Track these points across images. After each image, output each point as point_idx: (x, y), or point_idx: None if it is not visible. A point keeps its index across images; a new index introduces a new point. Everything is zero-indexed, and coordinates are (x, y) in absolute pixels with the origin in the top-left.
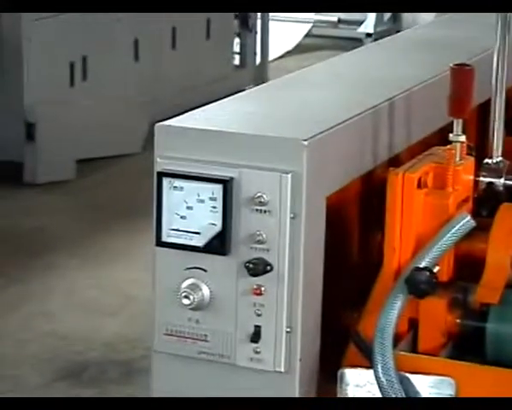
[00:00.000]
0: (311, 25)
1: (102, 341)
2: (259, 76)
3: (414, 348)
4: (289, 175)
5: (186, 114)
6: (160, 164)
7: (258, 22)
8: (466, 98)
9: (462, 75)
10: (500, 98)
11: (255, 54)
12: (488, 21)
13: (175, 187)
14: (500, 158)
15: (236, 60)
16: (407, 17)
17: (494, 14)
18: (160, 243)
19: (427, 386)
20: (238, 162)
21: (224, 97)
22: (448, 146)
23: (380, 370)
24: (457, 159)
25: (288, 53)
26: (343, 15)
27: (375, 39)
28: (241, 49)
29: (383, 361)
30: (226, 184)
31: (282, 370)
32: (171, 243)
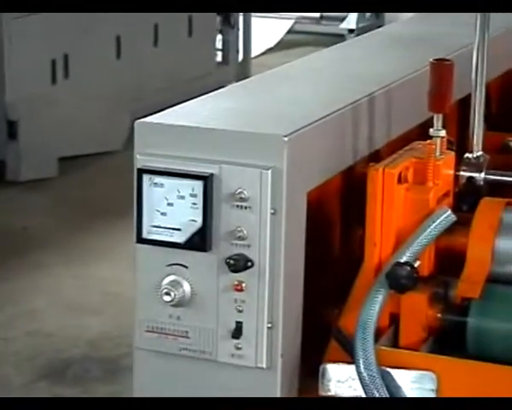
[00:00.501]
0: (294, 21)
1: (86, 339)
2: (242, 73)
3: (395, 343)
4: (270, 171)
5: (166, 111)
6: (140, 161)
7: (241, 19)
8: (446, 93)
9: (441, 70)
10: (480, 93)
11: (237, 51)
12: (468, 17)
13: (155, 184)
14: (480, 153)
15: (219, 57)
16: (389, 13)
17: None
18: (141, 240)
19: (408, 381)
20: (218, 158)
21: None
22: (428, 141)
23: (361, 365)
24: (438, 154)
25: (271, 49)
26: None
27: (358, 35)
28: (223, 46)
29: (365, 356)
30: (206, 181)
31: (264, 366)
32: (152, 240)
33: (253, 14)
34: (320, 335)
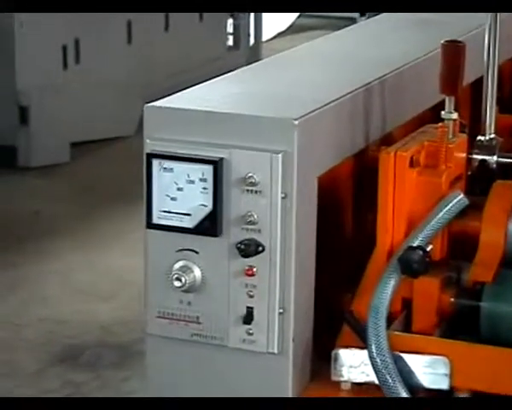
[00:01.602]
0: None
1: (98, 325)
2: (253, 57)
3: (408, 328)
4: (280, 155)
5: (175, 95)
6: (150, 145)
7: None
8: (457, 75)
9: (453, 52)
10: (492, 75)
11: (249, 35)
12: None
13: (165, 168)
14: (493, 135)
15: (230, 41)
16: None
17: None
18: (151, 226)
19: (421, 366)
20: (228, 143)
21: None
22: (440, 124)
23: (374, 350)
24: (450, 136)
25: (282, 33)
26: None
27: (369, 18)
28: (234, 30)
29: (377, 341)
30: (216, 165)
31: (275, 351)
32: (162, 225)
33: None
34: (332, 320)
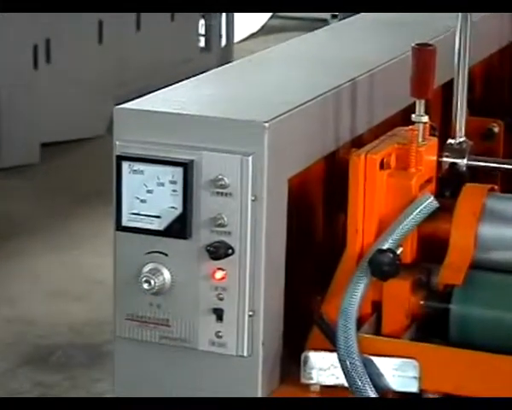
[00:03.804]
0: None
1: (69, 326)
2: (225, 58)
3: (378, 331)
4: (250, 157)
5: (146, 97)
6: (119, 147)
7: None
8: (428, 78)
9: (424, 55)
10: (462, 78)
11: (220, 36)
12: None
13: (134, 171)
14: (463, 138)
15: (202, 42)
16: None
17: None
18: (121, 228)
19: (390, 369)
20: (198, 145)
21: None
22: (411, 127)
23: (343, 353)
24: (420, 139)
25: (254, 35)
26: None
27: (341, 20)
28: (206, 31)
29: (346, 344)
30: (186, 167)
31: (245, 354)
32: (132, 228)
33: None
34: (302, 322)
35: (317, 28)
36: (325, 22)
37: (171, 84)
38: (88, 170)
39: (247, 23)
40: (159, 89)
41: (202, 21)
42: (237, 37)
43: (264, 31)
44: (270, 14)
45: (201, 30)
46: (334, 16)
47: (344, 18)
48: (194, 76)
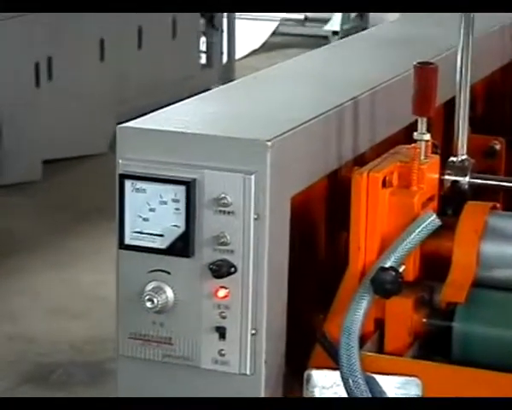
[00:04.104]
0: (278, 23)
1: (70, 343)
2: (226, 75)
3: (380, 349)
4: (253, 176)
5: (149, 115)
6: (122, 166)
7: (225, 21)
8: (430, 96)
9: (425, 73)
10: (464, 96)
11: (222, 53)
12: (453, 19)
13: (137, 189)
14: (465, 156)
15: (203, 59)
16: (374, 14)
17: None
18: (123, 246)
19: (393, 387)
20: (201, 163)
21: (191, 97)
22: (413, 145)
23: (346, 371)
24: (422, 157)
25: (255, 51)
26: (310, 13)
27: (342, 37)
28: (207, 48)
29: (349, 362)
30: (189, 186)
31: (248, 372)
32: (134, 246)
33: (237, 16)
34: (305, 341)
35: (318, 45)
36: (326, 39)
37: (172, 102)
38: (89, 187)
39: (248, 40)
40: (160, 106)
41: (203, 38)
42: (239, 53)
43: (266, 48)
44: (271, 31)
45: (203, 47)
46: (334, 33)
47: (345, 36)
48: (195, 93)
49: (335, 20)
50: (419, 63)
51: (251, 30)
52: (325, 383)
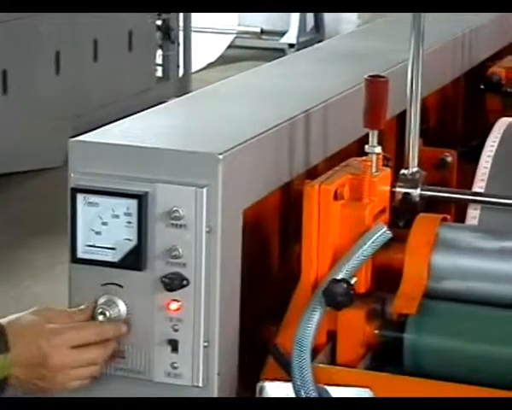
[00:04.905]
0: (234, 36)
1: None
2: (182, 88)
3: (333, 361)
4: (205, 189)
5: (101, 129)
6: (74, 180)
7: (181, 34)
8: (381, 109)
9: (376, 86)
10: (415, 109)
11: (178, 66)
12: (405, 32)
13: (90, 203)
14: (416, 168)
15: (159, 72)
16: (330, 27)
17: (410, 26)
18: (76, 260)
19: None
20: (153, 177)
21: (147, 109)
22: (364, 157)
23: (298, 383)
24: (373, 170)
25: (211, 64)
26: (265, 26)
27: (298, 50)
28: (163, 61)
29: (301, 374)
30: (141, 199)
31: (201, 384)
32: (87, 260)
33: (193, 29)
34: (257, 353)
35: (274, 58)
36: (282, 52)
37: (128, 114)
38: (44, 201)
39: (204, 53)
40: (117, 119)
41: (160, 51)
42: (195, 66)
43: (222, 60)
44: (227, 44)
45: (159, 60)
46: (291, 46)
47: (301, 48)
48: (152, 105)
49: (291, 33)
50: (370, 76)
51: (207, 43)
52: (278, 394)
